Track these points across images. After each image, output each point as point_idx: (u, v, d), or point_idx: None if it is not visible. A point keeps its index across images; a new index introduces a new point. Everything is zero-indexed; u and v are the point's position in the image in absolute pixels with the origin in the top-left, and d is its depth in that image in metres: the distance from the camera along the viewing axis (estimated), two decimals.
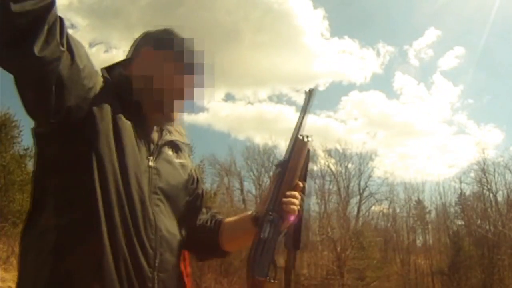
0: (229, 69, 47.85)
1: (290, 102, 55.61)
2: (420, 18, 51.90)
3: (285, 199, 1.56)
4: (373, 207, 33.66)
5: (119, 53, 44.71)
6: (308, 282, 24.69)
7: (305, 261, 27.97)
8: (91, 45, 43.35)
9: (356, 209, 32.85)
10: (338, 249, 22.87)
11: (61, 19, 1.27)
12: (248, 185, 38.36)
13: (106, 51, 44.53)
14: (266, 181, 37.68)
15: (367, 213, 33.15)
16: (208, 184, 30.86)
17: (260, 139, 46.89)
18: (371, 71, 54.19)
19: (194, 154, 23.22)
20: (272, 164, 37.84)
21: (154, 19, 46.70)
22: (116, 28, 52.59)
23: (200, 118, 47.31)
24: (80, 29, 45.27)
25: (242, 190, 37.99)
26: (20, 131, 17.91)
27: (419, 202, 32.76)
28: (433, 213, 32.92)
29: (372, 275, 22.28)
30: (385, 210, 32.59)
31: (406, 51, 56.68)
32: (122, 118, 1.46)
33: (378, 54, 55.95)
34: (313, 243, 27.31)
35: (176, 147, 1.68)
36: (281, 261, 1.61)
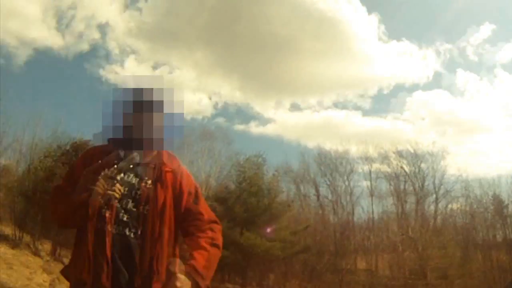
0: (292, 79, 48.72)
1: (356, 107, 56.10)
2: (473, 14, 51.06)
3: None
4: (449, 205, 33.27)
5: (183, 73, 46.48)
6: (391, 283, 24.82)
7: (387, 262, 28.04)
8: (155, 67, 45.33)
9: (433, 208, 32.60)
10: (420, 248, 22.77)
11: None
12: (324, 191, 38.51)
13: (170, 73, 46.43)
14: (341, 185, 37.96)
15: (444, 211, 32.84)
16: (284, 193, 31.49)
17: (330, 145, 47.34)
18: (432, 70, 54.07)
19: (267, 165, 23.74)
20: (345, 168, 38.25)
21: (212, 37, 48.38)
22: (177, 49, 54.66)
23: (269, 130, 48.45)
24: (142, 53, 47.59)
25: (318, 196, 38.32)
26: None
27: (496, 196, 31.99)
28: (511, 207, 32.09)
29: (455, 273, 21.93)
30: (462, 207, 32.09)
31: (464, 47, 56.07)
32: None
33: (437, 52, 55.50)
34: (394, 243, 27.41)
35: None
36: None
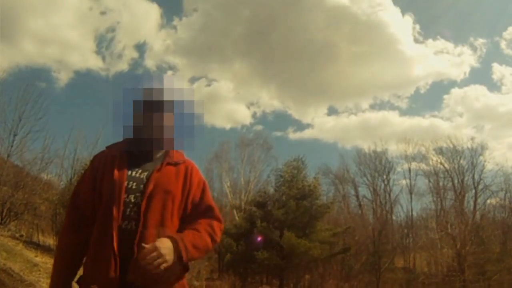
0: (328, 84, 49.26)
1: (393, 108, 56.50)
2: (506, 7, 50.70)
3: None
4: (489, 200, 33.08)
5: (221, 85, 47.54)
6: (429, 280, 25.03)
7: (425, 260, 28.22)
8: (192, 81, 46.66)
9: (472, 203, 32.51)
10: (458, 245, 22.76)
11: None
12: (363, 190, 38.94)
13: (207, 85, 47.39)
14: (381, 184, 38.28)
15: (483, 207, 32.66)
16: (324, 193, 32.07)
17: (368, 145, 47.62)
18: (468, 66, 53.68)
19: (308, 167, 24.48)
20: (384, 167, 38.52)
21: (248, 48, 49.28)
22: (214, 62, 55.75)
23: (306, 135, 49.21)
24: (180, 68, 48.74)
25: (357, 196, 38.74)
26: None
27: None
28: None
29: (492, 269, 21.94)
30: (501, 202, 31.84)
31: (497, 42, 57.68)
32: None
33: (473, 48, 55.62)
34: (432, 241, 27.65)
35: None
36: None
